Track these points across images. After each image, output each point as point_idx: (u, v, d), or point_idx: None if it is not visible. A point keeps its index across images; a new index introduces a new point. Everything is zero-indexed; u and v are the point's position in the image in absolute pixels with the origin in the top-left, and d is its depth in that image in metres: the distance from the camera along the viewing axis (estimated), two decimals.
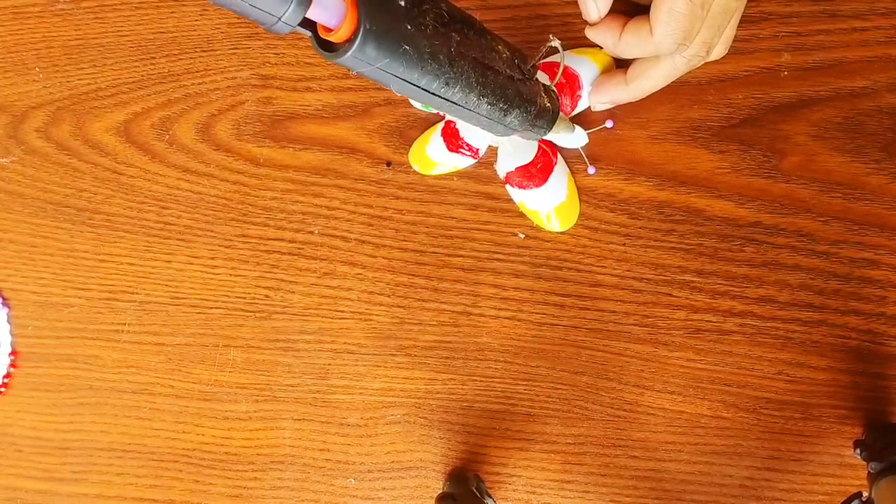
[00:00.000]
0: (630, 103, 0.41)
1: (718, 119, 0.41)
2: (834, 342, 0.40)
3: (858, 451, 0.39)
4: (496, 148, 0.41)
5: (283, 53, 0.44)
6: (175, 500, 0.46)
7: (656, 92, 0.40)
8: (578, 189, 0.41)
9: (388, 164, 0.43)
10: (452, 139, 0.41)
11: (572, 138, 0.39)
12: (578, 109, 0.40)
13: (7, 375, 0.47)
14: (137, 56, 0.46)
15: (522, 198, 0.41)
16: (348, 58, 0.24)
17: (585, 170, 0.41)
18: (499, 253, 0.42)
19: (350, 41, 0.24)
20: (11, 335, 0.47)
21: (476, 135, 0.41)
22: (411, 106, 0.43)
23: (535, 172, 0.40)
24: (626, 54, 0.35)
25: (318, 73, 0.44)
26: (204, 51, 0.45)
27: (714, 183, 0.41)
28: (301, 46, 0.44)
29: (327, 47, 0.25)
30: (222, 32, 0.45)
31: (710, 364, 0.41)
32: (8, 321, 0.47)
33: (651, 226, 0.41)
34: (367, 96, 0.43)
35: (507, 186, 0.41)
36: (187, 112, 0.45)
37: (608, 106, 0.39)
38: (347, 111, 0.44)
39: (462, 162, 0.42)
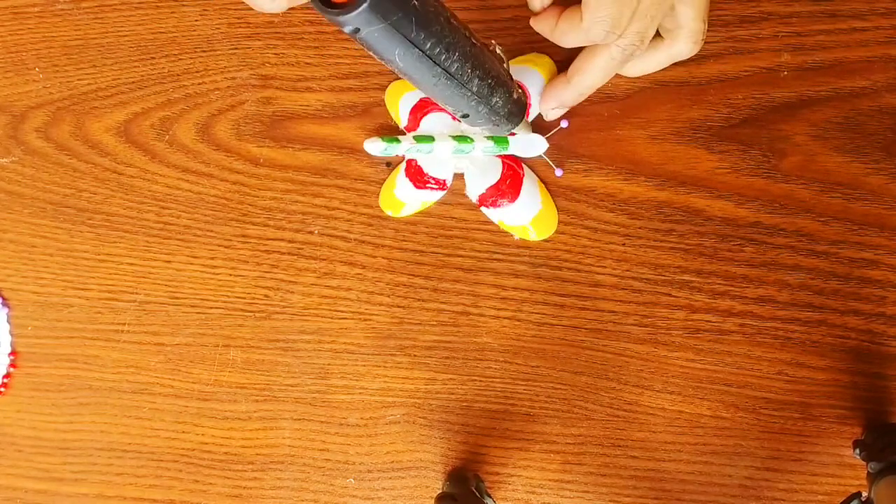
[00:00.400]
0: (627, 104, 0.41)
1: (718, 119, 0.41)
2: (833, 342, 0.40)
3: (858, 450, 0.39)
4: (461, 175, 0.42)
5: (283, 54, 0.44)
6: (175, 500, 0.46)
7: (656, 92, 0.41)
8: (575, 190, 0.41)
9: (388, 164, 0.43)
10: (418, 177, 0.41)
11: (533, 146, 0.40)
12: (530, 118, 0.41)
13: (7, 375, 0.47)
14: (137, 56, 0.46)
15: (500, 216, 0.41)
16: (363, 11, 0.24)
17: (553, 173, 0.41)
18: (498, 253, 0.42)
19: None
20: (11, 335, 0.47)
21: (440, 166, 0.41)
22: None
23: (506, 189, 0.41)
24: (563, 42, 0.35)
25: (318, 73, 0.44)
26: (204, 51, 0.45)
27: (714, 183, 0.41)
28: (301, 46, 0.44)
29: (329, 7, 0.25)
30: (222, 33, 0.45)
31: (709, 364, 0.41)
32: (8, 321, 0.47)
33: (651, 226, 0.41)
34: (367, 96, 0.43)
35: (483, 209, 0.42)
36: (187, 112, 0.45)
37: (560, 112, 0.39)
38: (347, 111, 0.44)
39: (431, 196, 0.42)
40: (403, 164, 0.42)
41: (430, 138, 0.41)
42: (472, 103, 0.33)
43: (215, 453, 0.46)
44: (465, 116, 0.34)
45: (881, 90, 0.39)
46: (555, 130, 0.41)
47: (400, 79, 0.42)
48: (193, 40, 0.45)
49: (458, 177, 0.42)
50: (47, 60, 0.47)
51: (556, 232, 0.42)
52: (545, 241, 0.42)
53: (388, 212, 0.43)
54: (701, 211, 0.41)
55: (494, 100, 0.33)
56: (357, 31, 0.26)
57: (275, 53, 0.44)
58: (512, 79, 0.35)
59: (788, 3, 0.40)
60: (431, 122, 0.41)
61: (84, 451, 0.47)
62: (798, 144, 0.40)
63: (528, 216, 0.41)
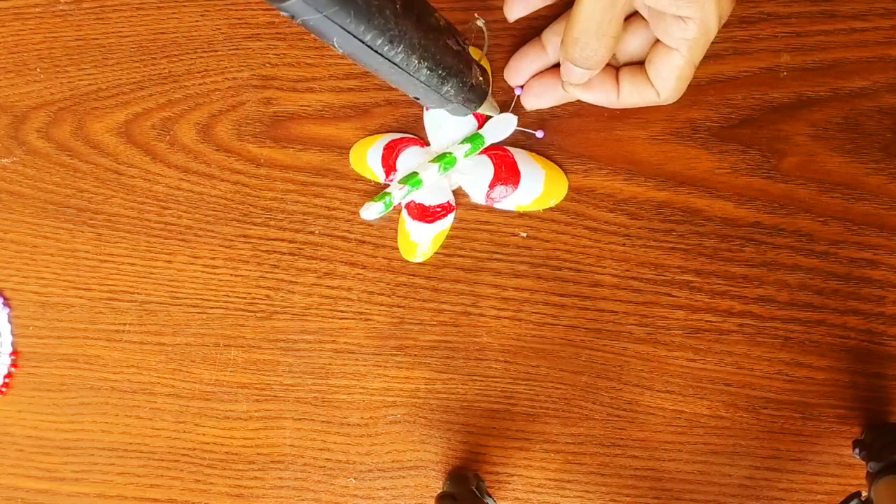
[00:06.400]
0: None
1: (718, 119, 0.41)
2: (833, 342, 0.40)
3: (857, 450, 0.39)
4: (458, 188, 0.42)
5: (284, 54, 0.44)
6: (176, 500, 0.46)
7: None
8: (575, 189, 0.42)
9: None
10: (423, 214, 0.41)
11: (505, 126, 0.40)
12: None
13: (8, 375, 0.47)
14: (138, 57, 0.46)
15: (516, 202, 0.41)
16: (296, 2, 0.24)
17: (535, 137, 0.41)
18: (499, 253, 0.43)
19: None
20: (12, 335, 0.48)
21: (436, 193, 0.41)
22: (411, 106, 0.43)
23: (505, 175, 0.41)
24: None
25: (318, 73, 0.44)
26: (205, 52, 0.45)
27: (713, 183, 0.41)
28: (301, 47, 0.44)
29: None
30: (223, 33, 0.45)
31: (709, 364, 0.41)
32: (9, 321, 0.48)
33: (651, 226, 0.41)
34: (368, 97, 0.43)
35: (497, 206, 0.42)
36: (188, 113, 0.45)
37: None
38: (348, 111, 0.44)
39: (445, 224, 0.42)
40: (404, 212, 0.42)
41: (414, 174, 0.41)
42: (421, 90, 0.33)
43: (216, 453, 0.46)
44: (417, 98, 0.34)
45: (880, 90, 0.39)
46: (514, 100, 0.41)
47: (355, 144, 0.43)
48: (194, 41, 0.45)
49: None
50: (48, 61, 0.47)
51: (556, 232, 0.42)
52: (545, 241, 0.42)
53: (418, 259, 0.43)
54: (701, 211, 0.41)
55: (445, 89, 0.33)
56: (293, 17, 0.25)
57: (275, 54, 0.44)
58: (471, 66, 0.34)
59: (788, 4, 0.40)
60: (406, 160, 0.42)
61: (85, 451, 0.47)
62: (797, 145, 0.40)
63: (538, 187, 0.41)
